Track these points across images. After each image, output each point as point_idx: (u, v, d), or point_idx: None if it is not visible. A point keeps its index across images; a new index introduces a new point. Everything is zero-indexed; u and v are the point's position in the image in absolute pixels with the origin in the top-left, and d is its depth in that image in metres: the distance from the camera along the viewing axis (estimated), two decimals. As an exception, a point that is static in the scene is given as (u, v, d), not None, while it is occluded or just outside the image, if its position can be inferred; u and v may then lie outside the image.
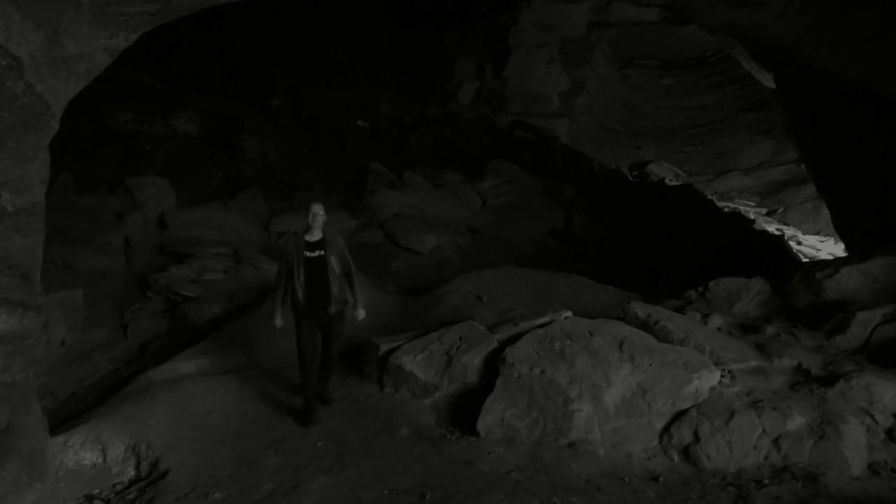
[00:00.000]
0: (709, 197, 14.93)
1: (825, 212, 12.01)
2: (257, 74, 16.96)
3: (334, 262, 4.87)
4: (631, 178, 16.11)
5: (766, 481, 3.86)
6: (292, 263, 4.85)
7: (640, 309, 5.51)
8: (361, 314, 4.98)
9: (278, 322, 4.92)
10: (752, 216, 15.14)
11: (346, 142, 13.82)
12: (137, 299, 7.58)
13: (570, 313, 5.51)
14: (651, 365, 4.55)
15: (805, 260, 11.25)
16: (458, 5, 18.42)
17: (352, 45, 18.53)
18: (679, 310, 6.20)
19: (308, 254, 4.84)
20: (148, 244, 8.68)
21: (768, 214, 16.61)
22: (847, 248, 9.14)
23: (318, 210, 4.92)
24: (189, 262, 8.04)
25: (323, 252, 4.85)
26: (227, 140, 11.99)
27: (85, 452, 4.40)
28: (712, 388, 4.50)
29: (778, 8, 6.21)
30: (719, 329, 5.74)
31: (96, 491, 4.20)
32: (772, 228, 14.37)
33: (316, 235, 4.90)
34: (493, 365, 4.89)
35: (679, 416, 4.36)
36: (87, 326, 7.00)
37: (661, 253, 10.30)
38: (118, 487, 4.26)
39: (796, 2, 6.04)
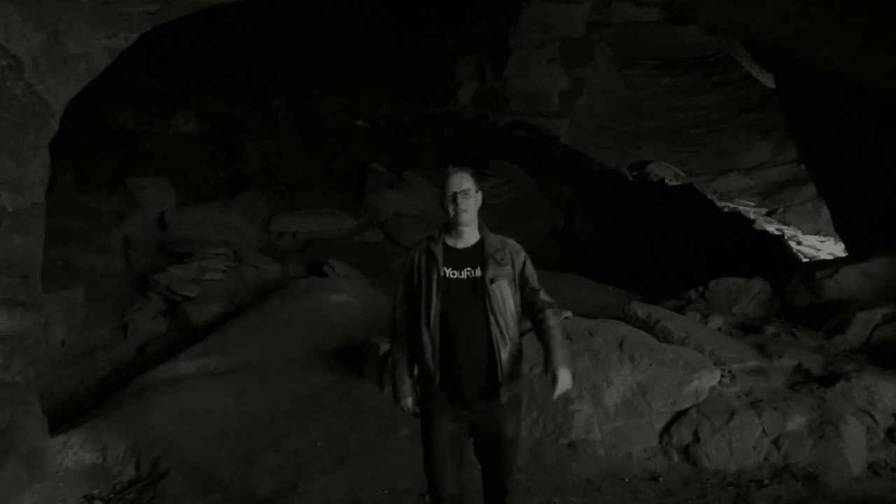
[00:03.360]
0: (709, 197, 14.93)
1: (825, 212, 12.01)
2: (257, 74, 16.95)
3: (504, 292, 2.63)
4: (631, 178, 16.11)
5: (766, 481, 3.87)
6: (420, 292, 2.67)
7: (640, 309, 5.50)
8: (565, 379, 2.56)
9: (406, 404, 2.75)
10: (752, 216, 15.13)
11: (346, 142, 13.81)
12: (137, 299, 7.57)
13: (570, 313, 5.51)
14: (651, 365, 4.55)
15: (805, 260, 11.25)
16: (458, 5, 18.42)
17: (352, 45, 18.52)
18: (679, 310, 6.21)
19: (450, 273, 2.64)
20: (148, 244, 8.67)
21: (768, 214, 16.61)
22: (847, 248, 9.14)
23: (466, 184, 2.67)
24: (189, 262, 8.02)
25: (481, 270, 2.63)
26: (227, 140, 11.98)
27: (85, 452, 4.39)
28: (712, 388, 4.50)
29: (778, 8, 6.21)
30: (719, 329, 5.74)
31: (96, 491, 4.20)
32: (772, 228, 14.36)
33: (468, 237, 2.71)
34: (493, 365, 4.88)
35: (679, 416, 4.36)
36: (87, 326, 6.99)
37: (661, 253, 10.30)
38: (118, 487, 4.26)
39: (796, 2, 6.04)
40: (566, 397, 4.45)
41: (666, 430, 4.33)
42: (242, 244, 8.96)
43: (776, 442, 4.08)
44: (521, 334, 2.77)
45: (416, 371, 2.74)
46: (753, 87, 18.95)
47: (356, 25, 18.58)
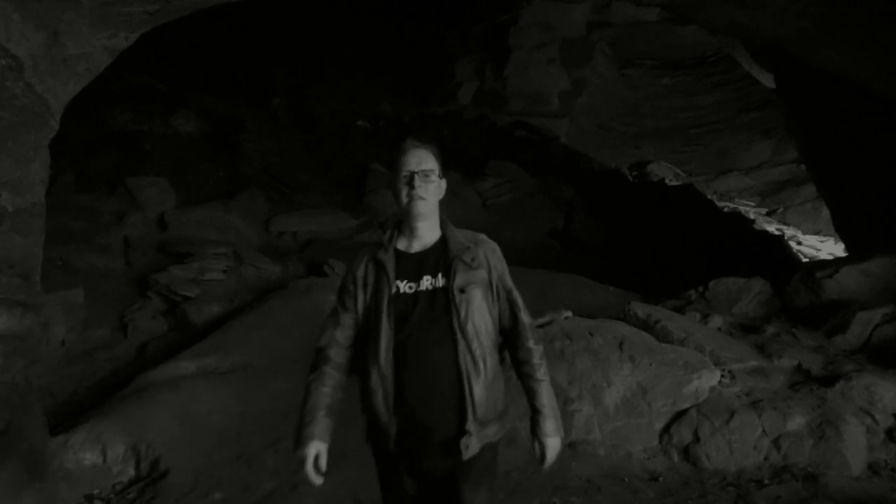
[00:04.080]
0: (709, 197, 14.94)
1: (825, 212, 12.01)
2: (257, 74, 16.96)
3: (477, 304, 2.02)
4: (631, 178, 16.11)
5: (766, 481, 3.87)
6: (367, 314, 2.05)
7: (640, 309, 5.50)
8: (552, 444, 2.10)
9: (302, 456, 2.29)
10: (752, 216, 15.13)
11: (346, 142, 13.81)
12: (137, 299, 7.57)
13: (570, 313, 5.50)
14: (651, 365, 4.55)
15: (805, 260, 11.25)
16: (458, 5, 18.43)
17: (352, 45, 18.53)
18: (679, 310, 6.20)
19: (405, 287, 2.02)
20: (148, 244, 8.67)
21: (768, 214, 16.61)
22: (847, 248, 9.14)
23: (427, 163, 2.03)
24: (189, 262, 8.03)
25: (445, 278, 2.02)
26: (227, 140, 11.99)
27: (85, 452, 4.39)
28: (712, 388, 4.50)
29: (778, 8, 6.21)
30: (719, 329, 5.74)
31: (96, 491, 4.20)
32: (772, 228, 14.37)
33: (425, 236, 2.09)
34: (493, 365, 4.88)
35: (679, 415, 4.36)
36: (87, 326, 6.99)
37: (661, 253, 10.30)
38: (118, 487, 4.27)
39: (796, 2, 6.04)
40: (566, 397, 4.45)
41: (666, 430, 4.33)
42: (242, 244, 8.96)
43: (776, 442, 4.08)
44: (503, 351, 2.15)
45: (328, 412, 2.17)
46: (753, 87, 18.96)
47: (356, 25, 18.59)
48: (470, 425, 1.95)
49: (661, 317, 5.36)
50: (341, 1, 17.69)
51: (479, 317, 2.01)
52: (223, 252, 8.41)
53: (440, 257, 2.05)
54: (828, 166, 8.73)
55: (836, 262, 6.45)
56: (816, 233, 15.15)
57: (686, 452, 4.18)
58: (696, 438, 4.18)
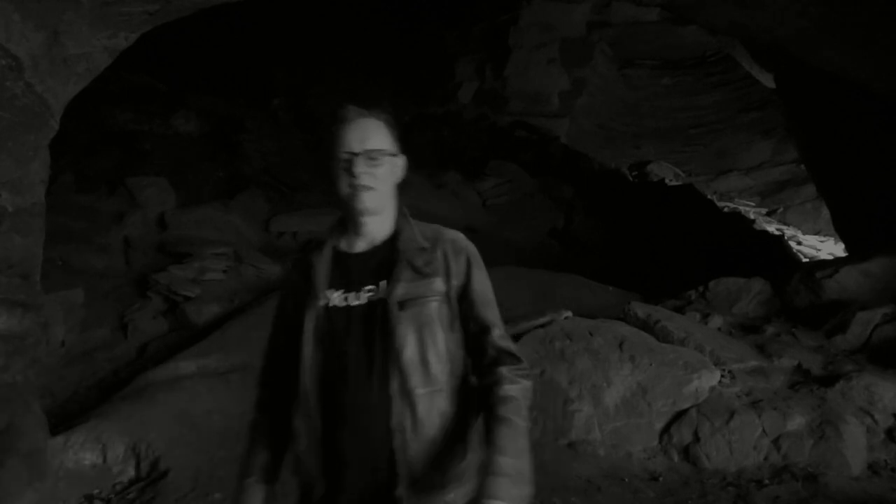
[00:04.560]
0: (709, 197, 14.94)
1: (825, 212, 12.02)
2: (257, 74, 16.96)
3: (424, 327, 1.45)
4: (631, 178, 16.11)
5: (766, 481, 3.87)
6: (296, 337, 1.51)
7: (640, 309, 5.50)
8: None
9: None
10: (752, 216, 15.14)
11: (346, 142, 13.82)
12: (137, 299, 7.57)
13: (570, 313, 5.50)
14: (651, 365, 4.55)
15: (805, 260, 11.25)
16: (458, 5, 18.43)
17: (352, 45, 18.53)
18: (679, 310, 6.21)
19: (337, 299, 1.50)
20: (148, 244, 8.67)
21: (768, 214, 16.61)
22: (847, 248, 9.14)
23: (375, 140, 1.52)
24: (189, 262, 8.03)
25: (386, 289, 1.47)
26: (227, 140, 11.99)
27: (85, 452, 4.38)
28: (712, 388, 4.50)
29: (778, 8, 6.22)
30: (719, 329, 5.74)
31: (96, 491, 4.20)
32: (772, 228, 14.37)
33: (373, 232, 1.55)
34: (493, 365, 4.88)
35: (679, 415, 4.36)
36: (87, 326, 6.99)
37: (661, 253, 10.30)
38: (118, 487, 4.26)
39: (796, 2, 6.04)
40: (566, 397, 4.44)
41: (666, 430, 4.33)
42: (242, 244, 8.96)
43: (776, 442, 4.08)
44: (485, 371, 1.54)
45: (265, 477, 1.62)
46: (753, 87, 18.96)
47: (356, 25, 18.59)
48: (400, 491, 1.40)
49: (661, 317, 5.36)
50: (341, 1, 17.70)
51: (423, 343, 1.45)
52: (223, 252, 8.41)
53: (386, 259, 1.51)
54: (828, 166, 8.73)
55: (836, 262, 6.46)
56: (816, 233, 15.16)
57: (686, 452, 4.18)
58: (696, 438, 4.18)
